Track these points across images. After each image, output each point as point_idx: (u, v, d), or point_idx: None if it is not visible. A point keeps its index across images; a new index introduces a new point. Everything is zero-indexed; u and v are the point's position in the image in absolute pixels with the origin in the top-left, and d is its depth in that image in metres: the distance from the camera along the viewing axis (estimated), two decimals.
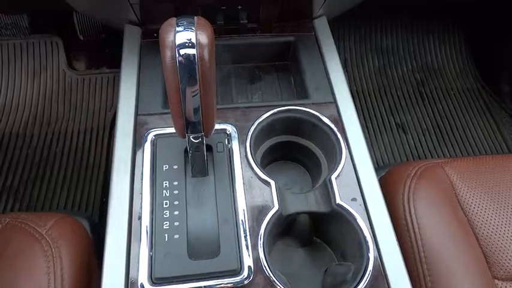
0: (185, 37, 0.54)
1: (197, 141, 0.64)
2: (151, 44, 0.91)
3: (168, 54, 0.53)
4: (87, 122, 1.61)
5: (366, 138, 0.79)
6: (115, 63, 0.93)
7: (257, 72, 0.99)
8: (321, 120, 0.79)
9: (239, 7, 0.82)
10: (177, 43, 0.54)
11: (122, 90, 0.83)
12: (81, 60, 1.74)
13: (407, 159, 1.55)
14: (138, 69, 0.87)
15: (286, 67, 1.00)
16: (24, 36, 1.65)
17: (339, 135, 0.77)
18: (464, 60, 1.87)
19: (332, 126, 0.78)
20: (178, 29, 0.55)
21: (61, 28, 1.67)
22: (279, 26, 0.96)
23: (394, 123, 1.67)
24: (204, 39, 0.55)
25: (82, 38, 1.63)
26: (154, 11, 0.89)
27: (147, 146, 0.73)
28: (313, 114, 0.79)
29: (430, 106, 1.73)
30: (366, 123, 1.67)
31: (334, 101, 0.83)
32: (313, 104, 0.82)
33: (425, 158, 1.57)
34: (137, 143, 0.75)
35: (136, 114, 0.79)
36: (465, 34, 1.89)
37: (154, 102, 0.81)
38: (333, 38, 0.95)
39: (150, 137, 0.74)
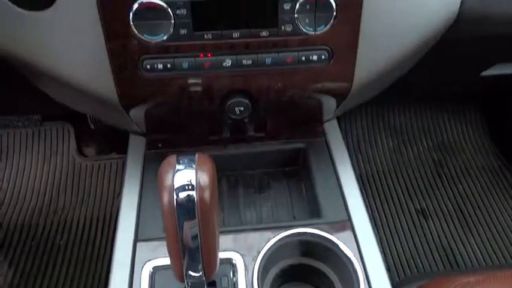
0: (185, 178, 0.51)
1: (198, 282, 0.58)
2: (155, 156, 0.88)
3: (165, 197, 0.50)
4: (94, 210, 1.57)
5: (383, 258, 0.72)
6: (124, 149, 0.92)
7: (266, 179, 0.94)
8: (335, 244, 0.72)
9: (245, 120, 0.80)
10: (175, 186, 0.50)
11: (122, 211, 0.79)
12: (91, 146, 1.74)
13: (430, 249, 1.45)
14: (140, 186, 0.83)
15: (297, 172, 0.95)
16: (36, 127, 1.67)
17: (355, 262, 0.70)
18: (482, 137, 1.81)
19: (347, 251, 0.71)
20: (178, 167, 0.52)
21: (72, 116, 1.69)
22: (288, 132, 0.93)
23: (413, 208, 1.58)
24: (204, 179, 0.51)
25: (93, 127, 1.64)
26: (158, 124, 0.87)
27: (145, 280, 0.68)
28: (327, 238, 0.73)
29: (451, 188, 1.64)
30: (382, 208, 1.59)
31: (349, 219, 0.77)
32: (326, 223, 0.76)
33: (450, 247, 1.47)
34: (135, 276, 0.69)
35: (136, 240, 0.74)
36: (481, 110, 1.84)
37: (155, 225, 0.76)
38: (344, 118, 0.91)
39: (148, 269, 0.69)
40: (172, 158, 0.54)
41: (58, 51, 0.67)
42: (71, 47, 0.66)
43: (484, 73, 1.03)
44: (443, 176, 1.68)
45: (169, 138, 0.90)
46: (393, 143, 1.77)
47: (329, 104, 0.84)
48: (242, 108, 0.74)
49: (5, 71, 0.73)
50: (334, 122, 0.96)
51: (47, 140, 1.70)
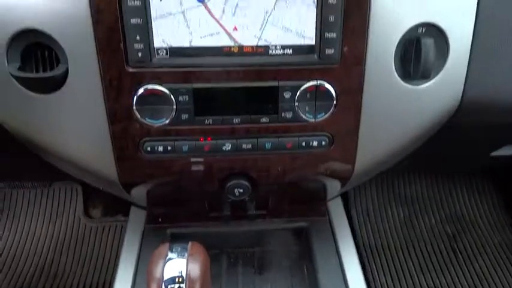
0: (175, 269, 0.49)
1: None
2: (154, 231, 0.87)
3: None
4: (94, 275, 1.53)
5: None
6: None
7: (266, 258, 0.91)
8: None
9: (246, 198, 0.78)
10: (165, 277, 0.48)
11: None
12: (97, 207, 1.73)
13: None
14: (136, 261, 0.81)
15: (298, 251, 0.91)
16: (45, 187, 1.68)
17: None
18: (497, 210, 1.75)
19: None
20: (170, 255, 0.51)
21: None
22: (290, 210, 0.91)
23: (426, 286, 1.50)
24: (195, 271, 0.50)
25: (101, 188, 1.64)
26: (158, 200, 0.86)
27: None
28: None
29: (466, 265, 1.56)
30: (393, 284, 1.51)
31: None
32: None
33: None
34: None
35: None
36: (494, 181, 1.79)
37: None
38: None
39: None
40: (165, 247, 0.53)
41: (62, 132, 0.68)
42: (75, 128, 0.68)
43: (494, 153, 1.01)
44: (458, 251, 1.60)
45: (170, 213, 0.89)
46: (404, 214, 1.72)
47: (332, 185, 0.82)
48: (241, 190, 0.74)
49: (14, 143, 0.74)
50: (338, 200, 0.94)
51: (54, 200, 1.70)
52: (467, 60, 0.67)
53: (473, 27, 0.65)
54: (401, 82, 0.66)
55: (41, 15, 0.60)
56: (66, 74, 0.63)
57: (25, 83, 0.63)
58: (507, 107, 0.72)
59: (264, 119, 0.66)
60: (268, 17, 0.61)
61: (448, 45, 0.65)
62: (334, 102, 0.66)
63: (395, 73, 0.66)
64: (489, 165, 1.50)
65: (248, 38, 0.62)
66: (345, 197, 1.65)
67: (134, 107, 0.65)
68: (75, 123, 0.67)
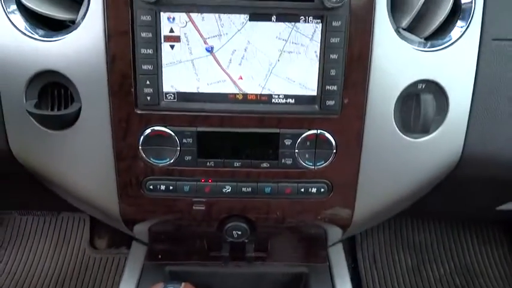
0: None
1: None
2: (153, 267, 0.87)
3: None
4: None
5: None
6: None
7: None
8: None
9: (245, 240, 0.79)
10: None
11: None
12: (103, 237, 1.74)
13: None
14: None
15: None
16: (53, 216, 1.71)
17: None
18: (509, 262, 1.69)
19: None
20: None
21: None
22: (290, 254, 0.90)
23: None
24: None
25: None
26: (159, 238, 0.87)
27: None
28: None
29: None
30: None
31: None
32: None
33: None
34: None
35: None
36: (506, 231, 1.75)
37: None
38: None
39: None
40: (159, 286, 0.54)
41: (70, 166, 0.71)
42: (82, 163, 0.71)
43: (500, 207, 1.00)
44: None
45: (170, 250, 0.90)
46: (412, 262, 1.67)
47: (332, 231, 0.82)
48: (240, 233, 0.74)
49: (26, 173, 0.77)
50: (340, 247, 0.94)
51: (61, 229, 1.72)
52: (467, 116, 0.68)
53: (473, 85, 0.67)
54: (401, 135, 0.68)
55: (60, 58, 0.64)
56: (78, 112, 0.66)
57: (40, 119, 0.67)
58: (508, 163, 0.72)
59: (264, 164, 0.68)
60: (273, 68, 0.64)
61: (447, 101, 0.67)
62: (334, 151, 0.67)
63: (395, 126, 0.67)
64: (499, 216, 1.46)
65: (252, 87, 0.65)
66: (351, 241, 1.63)
67: (140, 147, 0.67)
68: (83, 159, 0.70)
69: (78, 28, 0.63)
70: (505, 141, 0.70)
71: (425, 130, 0.67)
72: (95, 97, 0.65)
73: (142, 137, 0.67)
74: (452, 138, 0.69)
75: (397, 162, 0.70)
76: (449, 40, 0.65)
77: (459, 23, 0.66)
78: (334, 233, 0.85)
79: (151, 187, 0.70)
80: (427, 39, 0.66)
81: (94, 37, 0.63)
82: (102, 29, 0.62)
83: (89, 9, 0.62)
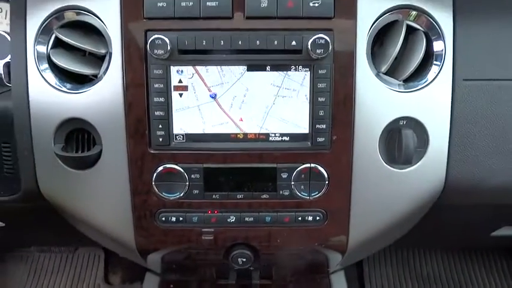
0: None
1: None
2: None
3: None
4: None
5: None
6: None
7: None
8: None
9: (251, 268, 0.85)
10: None
11: None
12: (117, 273, 1.79)
13: None
14: None
15: None
16: (70, 252, 1.78)
17: None
18: None
19: None
20: None
21: None
22: (294, 281, 0.95)
23: None
24: None
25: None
26: (171, 267, 0.93)
27: None
28: None
29: None
30: None
31: None
32: None
33: None
34: None
35: None
36: (508, 261, 1.75)
37: None
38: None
39: None
40: None
41: (91, 201, 0.80)
42: (102, 199, 0.79)
43: (494, 233, 1.05)
44: None
45: (181, 280, 0.96)
46: None
47: (332, 258, 0.88)
48: (244, 259, 0.81)
49: (49, 212, 0.86)
50: (341, 274, 0.99)
51: (77, 266, 1.78)
52: (447, 148, 0.75)
53: (450, 119, 0.74)
54: (387, 166, 0.75)
55: (85, 108, 0.74)
56: (99, 154, 0.76)
57: (66, 160, 0.76)
58: (490, 188, 0.78)
59: (264, 196, 0.76)
60: (269, 110, 0.73)
61: (427, 135, 0.74)
62: (327, 182, 0.75)
63: (380, 158, 0.75)
64: (498, 243, 1.49)
65: (252, 127, 0.74)
66: (360, 273, 1.66)
67: (153, 183, 0.76)
68: (102, 195, 0.79)
69: (101, 81, 0.73)
70: (485, 170, 0.77)
71: (408, 161, 0.74)
72: (114, 140, 0.75)
73: (155, 174, 0.75)
74: (435, 169, 0.76)
75: (384, 191, 0.77)
76: (425, 82, 0.74)
77: (433, 67, 0.74)
78: (334, 259, 0.90)
79: (163, 219, 0.78)
80: (405, 81, 0.75)
81: (114, 89, 0.73)
82: (121, 82, 0.72)
83: (110, 65, 0.73)
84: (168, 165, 0.75)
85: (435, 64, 0.74)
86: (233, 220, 0.77)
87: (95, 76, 0.76)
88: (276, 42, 0.70)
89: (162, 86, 0.72)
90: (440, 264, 1.78)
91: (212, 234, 0.79)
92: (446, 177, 0.77)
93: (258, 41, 0.70)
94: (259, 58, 0.71)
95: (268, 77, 0.72)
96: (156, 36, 0.68)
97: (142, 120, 0.73)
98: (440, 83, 0.74)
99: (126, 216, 0.79)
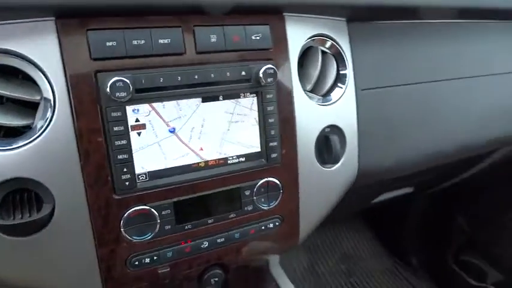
0: None
1: None
2: None
3: None
4: None
5: None
6: None
7: None
8: None
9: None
10: None
11: None
12: None
13: None
14: None
15: None
16: None
17: None
18: (375, 244, 2.14)
19: None
20: None
21: None
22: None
23: None
24: None
25: None
26: None
27: None
28: None
29: None
30: None
31: None
32: None
33: None
34: None
35: None
36: (368, 221, 2.20)
37: None
38: None
39: None
40: None
41: (44, 269, 0.70)
42: (59, 263, 0.70)
43: (374, 200, 1.34)
44: (355, 283, 1.91)
45: None
46: (307, 263, 1.97)
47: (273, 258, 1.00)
48: (217, 279, 0.85)
49: None
50: (277, 265, 1.11)
51: None
52: (357, 144, 0.95)
53: (357, 122, 0.94)
54: (321, 167, 0.90)
55: (25, 164, 0.65)
56: (51, 213, 0.67)
57: (5, 229, 0.65)
58: (385, 168, 1.02)
59: (231, 215, 0.81)
60: (225, 136, 0.79)
61: (345, 137, 0.92)
62: (281, 191, 0.85)
63: (317, 162, 0.89)
64: (365, 209, 1.87)
65: (211, 154, 0.78)
66: None
67: (122, 229, 0.72)
68: (59, 259, 0.70)
69: (46, 132, 0.65)
70: (382, 156, 1.00)
71: (337, 161, 0.91)
72: (69, 194, 0.68)
73: (123, 220, 0.72)
74: (352, 162, 0.95)
75: (321, 188, 0.92)
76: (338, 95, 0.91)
77: (339, 85, 0.92)
78: (274, 259, 1.02)
79: (136, 263, 0.75)
80: (324, 96, 0.91)
81: (64, 138, 0.66)
82: (71, 130, 0.66)
83: (55, 113, 0.66)
84: (136, 208, 0.72)
85: (343, 80, 0.92)
86: (206, 245, 0.80)
87: (27, 127, 0.67)
88: (228, 74, 0.75)
89: (122, 128, 0.69)
90: (323, 235, 2.11)
91: (185, 263, 0.80)
92: (358, 166, 0.97)
93: (212, 74, 0.74)
94: (212, 90, 0.75)
95: (222, 106, 0.77)
96: (117, 78, 0.65)
97: (103, 167, 0.69)
98: (348, 95, 0.92)
99: (91, 273, 0.72)
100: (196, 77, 0.73)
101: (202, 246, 0.80)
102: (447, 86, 1.06)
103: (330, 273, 1.97)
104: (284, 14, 0.82)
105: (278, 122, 0.82)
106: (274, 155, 0.82)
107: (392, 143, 1.01)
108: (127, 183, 0.71)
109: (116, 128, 0.69)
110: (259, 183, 0.82)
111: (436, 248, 1.92)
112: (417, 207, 1.92)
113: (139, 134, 0.72)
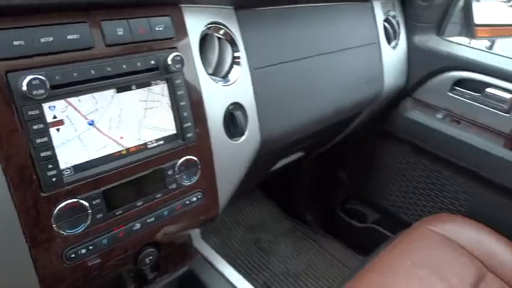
0: None
1: None
2: None
3: None
4: None
5: None
6: None
7: None
8: None
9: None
10: None
11: None
12: None
13: None
14: None
15: None
16: None
17: None
18: (275, 211, 2.36)
19: None
20: None
21: None
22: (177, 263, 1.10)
23: None
24: None
25: None
26: None
27: None
28: None
29: (270, 258, 2.07)
30: None
31: None
32: None
33: None
34: None
35: None
36: (267, 191, 2.41)
37: None
38: None
39: None
40: None
41: None
42: None
43: (272, 168, 1.51)
44: (263, 248, 2.10)
45: None
46: (219, 240, 2.10)
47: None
48: (151, 257, 0.91)
49: None
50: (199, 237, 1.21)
51: None
52: (257, 117, 1.08)
53: (254, 97, 1.07)
54: (230, 141, 1.01)
55: None
56: None
57: None
58: (281, 135, 1.18)
59: (158, 195, 0.87)
60: (142, 123, 0.84)
61: (246, 112, 1.05)
62: (200, 167, 0.94)
63: (226, 136, 1.00)
64: (263, 182, 2.05)
65: (131, 141, 0.83)
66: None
67: (54, 225, 0.73)
68: None
69: None
70: (276, 125, 1.15)
71: (242, 133, 1.03)
72: None
73: (53, 216, 0.73)
74: (255, 133, 1.08)
75: (233, 159, 1.04)
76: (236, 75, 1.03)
77: (236, 67, 1.03)
78: (196, 234, 1.11)
79: (72, 256, 0.76)
80: (224, 77, 1.01)
81: None
82: None
83: None
84: (66, 202, 0.74)
85: (238, 62, 1.04)
86: (139, 227, 0.85)
87: None
88: (138, 64, 0.80)
89: (42, 125, 0.70)
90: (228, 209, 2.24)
91: (122, 248, 0.84)
92: (260, 135, 1.10)
93: (124, 65, 0.78)
94: (125, 80, 0.80)
95: (136, 95, 0.82)
96: (32, 76, 0.66)
97: (27, 167, 0.69)
98: (243, 75, 1.04)
99: (26, 275, 0.72)
100: (108, 69, 0.77)
101: (134, 229, 0.85)
102: (321, 60, 1.25)
103: (240, 243, 2.12)
104: (181, 5, 0.89)
105: (189, 105, 0.90)
106: (189, 135, 0.90)
107: (285, 113, 1.16)
108: (54, 179, 0.72)
109: (35, 127, 0.69)
110: (179, 162, 0.90)
111: (326, 203, 2.22)
112: (307, 171, 2.18)
113: (58, 130, 0.73)
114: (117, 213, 0.82)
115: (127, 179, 0.82)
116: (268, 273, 1.97)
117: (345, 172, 2.13)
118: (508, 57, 1.50)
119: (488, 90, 1.47)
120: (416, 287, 1.14)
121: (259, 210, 2.34)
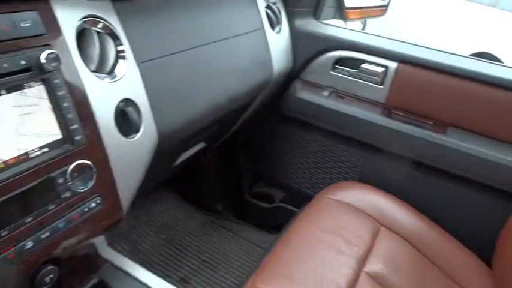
0: None
1: None
2: None
3: None
4: None
5: None
6: None
7: None
8: None
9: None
10: None
11: None
12: None
13: None
14: None
15: None
16: None
17: None
18: (184, 210, 2.33)
19: None
20: None
21: None
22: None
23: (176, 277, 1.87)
24: None
25: None
26: None
27: None
28: None
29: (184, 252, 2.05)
30: None
31: None
32: None
33: None
34: None
35: None
36: (173, 188, 2.36)
37: None
38: None
39: None
40: None
41: None
42: None
43: (175, 163, 1.49)
44: (178, 246, 2.07)
45: None
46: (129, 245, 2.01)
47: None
48: (52, 275, 0.83)
49: None
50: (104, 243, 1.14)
51: None
52: (151, 112, 1.05)
53: (145, 92, 1.03)
54: (125, 139, 0.97)
55: None
56: None
57: None
58: (178, 128, 1.16)
59: (51, 206, 0.80)
60: (20, 131, 0.76)
61: (139, 108, 1.01)
62: (94, 170, 0.88)
63: (119, 135, 0.95)
64: (168, 179, 2.01)
65: (9, 152, 0.74)
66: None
67: None
68: None
69: None
70: (172, 120, 1.13)
71: (137, 130, 0.99)
72: None
73: None
74: (151, 128, 1.05)
75: (130, 157, 0.99)
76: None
77: (121, 61, 0.98)
78: (101, 242, 1.05)
79: None
80: (109, 73, 0.96)
81: None
82: None
83: None
84: None
85: (122, 56, 0.99)
86: (31, 245, 0.77)
87: None
88: (6, 65, 0.72)
89: None
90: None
91: (18, 271, 0.75)
92: (157, 130, 1.07)
93: None
94: None
95: (7, 100, 0.74)
96: None
97: None
98: (130, 69, 1.00)
99: None
100: None
101: (26, 248, 0.77)
102: (210, 49, 1.26)
103: (153, 245, 2.06)
104: None
105: (73, 105, 0.83)
106: (78, 138, 0.84)
107: (180, 105, 1.15)
108: None
109: None
110: (70, 168, 0.83)
111: (234, 190, 2.26)
112: (211, 161, 2.19)
113: None
114: (3, 234, 0.73)
115: (8, 196, 0.74)
116: (185, 268, 1.95)
117: (246, 158, 2.19)
118: (376, 36, 1.68)
119: (363, 66, 1.63)
120: (325, 251, 1.23)
121: (168, 209, 2.29)
